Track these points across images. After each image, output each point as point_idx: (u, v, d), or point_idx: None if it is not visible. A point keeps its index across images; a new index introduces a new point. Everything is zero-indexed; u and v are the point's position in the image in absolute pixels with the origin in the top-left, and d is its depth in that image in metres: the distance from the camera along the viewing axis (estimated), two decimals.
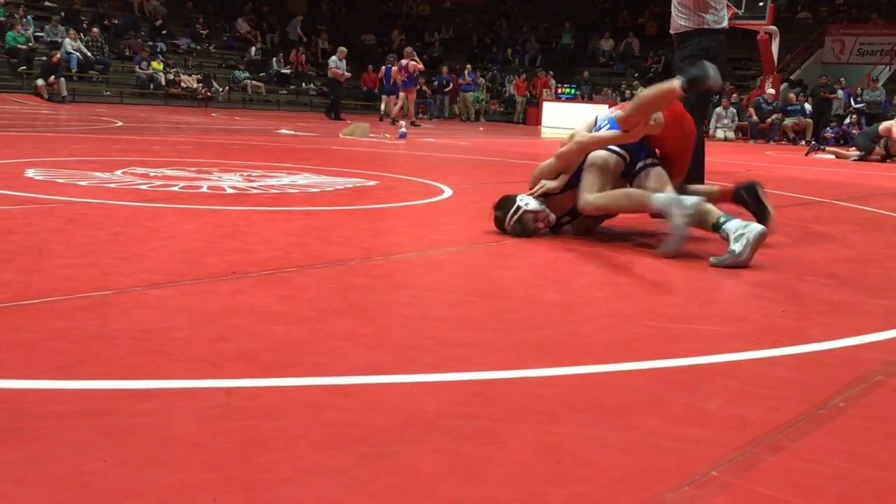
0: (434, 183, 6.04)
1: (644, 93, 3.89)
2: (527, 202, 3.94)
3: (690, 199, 3.50)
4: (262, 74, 26.48)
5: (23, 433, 1.44)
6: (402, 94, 18.19)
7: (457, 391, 1.81)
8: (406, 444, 1.50)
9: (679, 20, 4.94)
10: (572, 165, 4.00)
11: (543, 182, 4.04)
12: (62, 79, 19.86)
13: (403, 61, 17.93)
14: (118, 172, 5.52)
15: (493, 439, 1.54)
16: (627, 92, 24.06)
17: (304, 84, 27.42)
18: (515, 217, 3.91)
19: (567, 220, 4.09)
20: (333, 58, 19.18)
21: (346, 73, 19.40)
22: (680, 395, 1.85)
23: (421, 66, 18.81)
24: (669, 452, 1.53)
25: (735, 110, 20.67)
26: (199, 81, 23.94)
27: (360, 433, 1.53)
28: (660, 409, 1.75)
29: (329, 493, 1.29)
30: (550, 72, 26.82)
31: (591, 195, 3.81)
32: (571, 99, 25.11)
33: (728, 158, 11.80)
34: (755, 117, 20.43)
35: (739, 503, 1.35)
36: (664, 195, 3.57)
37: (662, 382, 1.94)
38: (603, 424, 1.64)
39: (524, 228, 3.90)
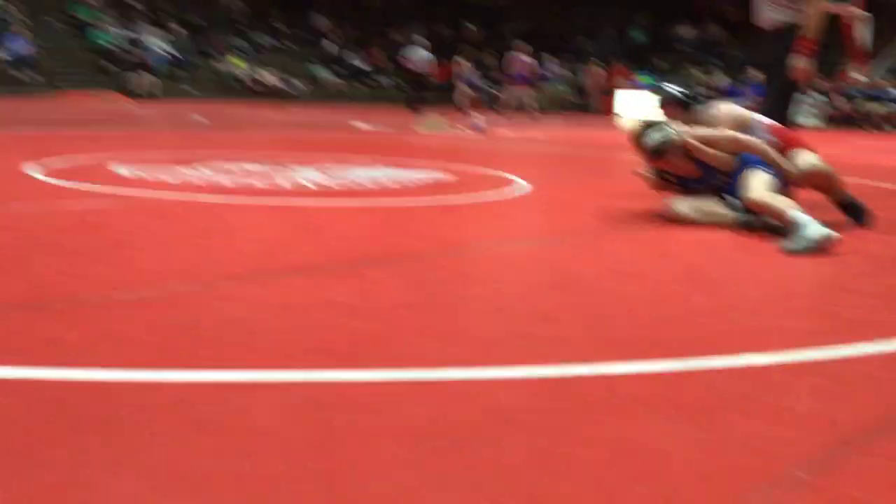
0: (510, 176, 6.02)
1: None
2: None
3: (822, 232, 3.36)
4: (339, 69, 26.81)
5: (112, 424, 1.49)
6: (515, 89, 18.20)
7: (534, 385, 1.80)
8: (484, 439, 1.50)
9: (770, 13, 4.77)
10: (719, 151, 3.90)
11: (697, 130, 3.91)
12: (149, 76, 20.49)
13: (524, 56, 17.88)
14: (202, 168, 5.66)
15: (571, 435, 1.53)
16: (706, 80, 23.50)
17: (380, 78, 27.65)
18: (663, 132, 3.85)
19: (672, 181, 4.06)
20: (416, 48, 19.06)
21: (429, 64, 19.28)
22: (764, 392, 1.80)
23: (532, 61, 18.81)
24: (752, 451, 1.49)
25: (821, 97, 20.00)
26: (279, 78, 24.37)
27: (437, 427, 1.54)
28: (743, 407, 1.71)
29: (407, 487, 1.30)
30: (625, 61, 26.40)
31: (756, 192, 3.73)
32: (648, 88, 24.64)
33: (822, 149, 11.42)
34: (841, 104, 19.75)
35: None
36: (805, 216, 3.48)
37: (745, 379, 1.89)
38: (684, 422, 1.61)
39: (664, 140, 3.85)
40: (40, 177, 4.84)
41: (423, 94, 19.38)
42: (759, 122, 4.16)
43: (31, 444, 1.39)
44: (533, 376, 1.86)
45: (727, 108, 4.25)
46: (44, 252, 2.87)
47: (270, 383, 1.74)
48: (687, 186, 4.04)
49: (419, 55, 18.87)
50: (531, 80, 18.14)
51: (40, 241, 3.04)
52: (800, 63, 4.52)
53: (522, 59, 17.91)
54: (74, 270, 2.63)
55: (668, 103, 4.33)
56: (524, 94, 18.17)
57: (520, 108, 18.31)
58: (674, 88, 4.24)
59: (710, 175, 3.96)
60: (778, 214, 3.61)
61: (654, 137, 3.87)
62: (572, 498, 1.29)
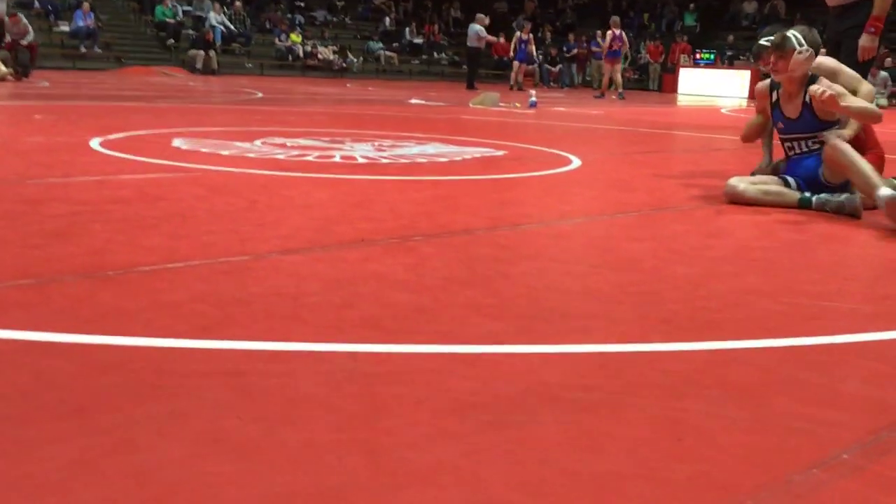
0: (563, 153, 5.98)
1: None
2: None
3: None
4: (395, 45, 26.82)
5: (165, 389, 1.54)
6: (604, 65, 18.12)
7: (579, 363, 1.80)
8: (526, 415, 1.51)
9: None
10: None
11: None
12: (212, 51, 20.76)
13: (617, 31, 17.70)
14: (257, 142, 5.74)
15: (614, 413, 1.53)
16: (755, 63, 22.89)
17: (435, 54, 27.59)
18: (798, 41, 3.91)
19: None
20: (474, 25, 18.90)
21: (478, 38, 19.11)
22: (814, 374, 1.78)
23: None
24: (799, 433, 1.47)
25: (888, 74, 19.39)
26: (334, 52, 24.49)
27: (480, 401, 1.55)
28: (791, 389, 1.69)
29: (449, 460, 1.32)
30: (687, 37, 25.86)
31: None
32: (710, 65, 24.13)
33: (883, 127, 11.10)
34: None
35: (870, 488, 1.29)
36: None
37: (796, 361, 1.87)
38: (730, 402, 1.60)
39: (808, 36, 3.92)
40: (104, 150, 4.96)
41: (476, 69, 19.21)
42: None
43: (88, 407, 1.45)
44: (578, 353, 1.86)
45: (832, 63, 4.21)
46: (103, 222, 2.95)
47: (316, 353, 1.77)
48: (781, 130, 4.05)
49: (471, 30, 18.72)
50: (619, 55, 17.91)
51: (101, 213, 3.12)
52: (864, 41, 4.43)
53: (616, 33, 17.67)
54: (132, 241, 2.70)
55: (762, 55, 4.33)
56: (615, 70, 17.95)
57: (607, 83, 18.19)
58: (766, 40, 4.25)
59: (806, 122, 3.91)
60: (858, 172, 3.64)
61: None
62: (613, 476, 1.29)
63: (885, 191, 3.45)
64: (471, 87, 18.21)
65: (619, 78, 18.02)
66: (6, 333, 1.78)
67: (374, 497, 1.19)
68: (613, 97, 17.66)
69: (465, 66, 21.56)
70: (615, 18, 18.29)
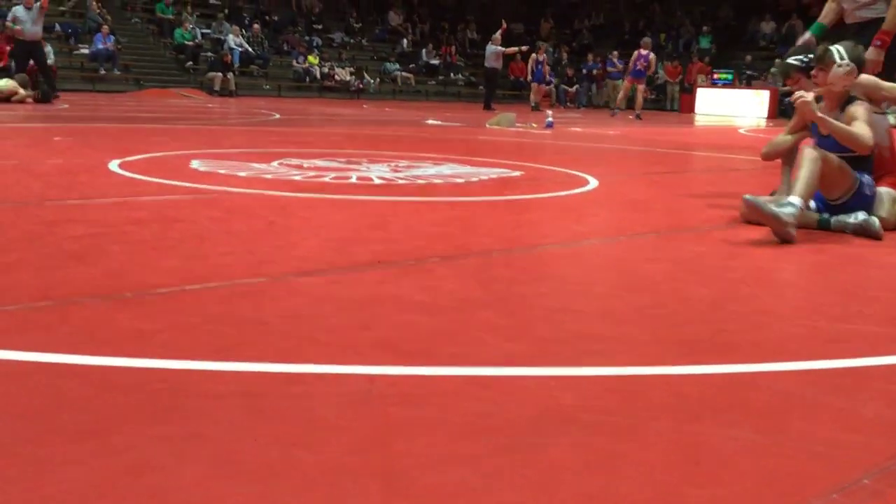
0: (580, 173, 5.98)
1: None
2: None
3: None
4: (411, 66, 26.97)
5: (181, 411, 1.54)
6: (625, 83, 18.20)
7: (595, 385, 1.79)
8: (542, 437, 1.50)
9: (859, 12, 4.71)
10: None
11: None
12: (230, 73, 20.96)
13: (644, 51, 17.71)
14: (274, 163, 5.77)
15: (631, 436, 1.52)
16: (781, 83, 22.90)
17: (452, 74, 27.72)
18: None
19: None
20: (491, 45, 18.87)
21: (510, 51, 19.08)
22: (834, 398, 1.76)
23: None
24: (819, 457, 1.46)
25: None
26: (351, 74, 24.65)
27: (496, 424, 1.54)
28: (811, 413, 1.67)
29: (464, 483, 1.31)
30: (707, 57, 25.84)
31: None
32: (728, 85, 24.09)
33: None
34: None
35: None
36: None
37: (816, 385, 1.85)
38: (748, 426, 1.59)
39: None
40: (122, 172, 5.00)
41: (493, 90, 19.22)
42: (885, 121, 4.19)
43: (104, 429, 1.45)
44: (594, 376, 1.85)
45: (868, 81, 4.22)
46: (122, 244, 2.97)
47: (332, 375, 1.77)
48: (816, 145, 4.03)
49: (489, 50, 18.73)
50: (643, 76, 17.92)
51: (119, 234, 3.14)
52: (870, 54, 4.41)
53: (642, 52, 17.67)
54: (150, 262, 2.72)
55: (791, 74, 4.34)
56: (638, 90, 17.95)
57: (629, 103, 18.25)
58: (795, 59, 4.26)
59: (833, 142, 3.91)
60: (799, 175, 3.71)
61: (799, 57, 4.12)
62: (628, 499, 1.28)
63: (751, 197, 3.61)
64: (488, 107, 18.22)
65: (640, 98, 18.00)
66: (25, 355, 1.80)
67: None
68: (631, 117, 17.67)
69: (482, 87, 21.61)
70: (646, 40, 18.28)
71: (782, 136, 4.35)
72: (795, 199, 3.49)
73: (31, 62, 13.50)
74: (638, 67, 17.73)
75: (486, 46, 19.27)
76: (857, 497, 1.31)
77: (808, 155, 3.66)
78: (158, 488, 1.25)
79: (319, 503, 1.23)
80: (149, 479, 1.28)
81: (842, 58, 3.84)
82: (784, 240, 3.43)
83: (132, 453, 1.36)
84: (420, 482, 1.31)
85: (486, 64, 18.99)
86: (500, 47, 18.50)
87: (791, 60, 4.34)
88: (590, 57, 26.51)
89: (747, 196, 3.58)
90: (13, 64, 13.80)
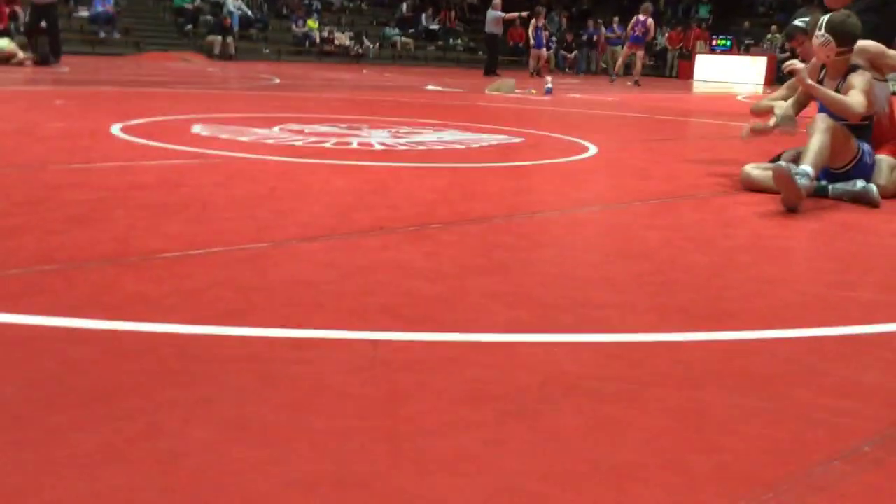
0: (579, 140, 5.97)
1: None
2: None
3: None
4: (411, 31, 26.74)
5: (190, 375, 1.56)
6: (625, 49, 18.15)
7: (597, 352, 1.81)
8: (545, 404, 1.52)
9: None
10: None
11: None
12: (230, 37, 20.78)
13: (642, 17, 17.60)
14: (275, 129, 5.75)
15: (633, 403, 1.54)
16: (787, 45, 22.75)
17: (451, 40, 27.49)
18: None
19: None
20: (492, 11, 18.65)
21: (510, 16, 18.90)
22: (834, 365, 1.78)
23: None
24: (819, 425, 1.48)
25: None
26: (351, 39, 24.45)
27: (500, 390, 1.56)
28: (812, 380, 1.69)
29: (469, 448, 1.33)
30: (705, 24, 25.62)
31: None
32: (727, 51, 23.93)
33: None
34: None
35: (891, 480, 1.29)
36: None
37: (816, 352, 1.87)
38: (750, 393, 1.61)
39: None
40: (124, 136, 4.99)
41: (495, 56, 19.03)
42: (886, 88, 4.19)
43: (114, 393, 1.47)
44: (597, 342, 1.86)
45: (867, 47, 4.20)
46: (126, 209, 2.98)
47: (337, 340, 1.79)
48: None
49: (490, 16, 18.53)
50: (641, 41, 17.82)
51: (123, 199, 3.15)
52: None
53: (640, 18, 17.55)
54: (153, 227, 2.73)
55: (795, 35, 4.34)
56: (637, 56, 17.88)
57: (628, 69, 18.24)
58: (801, 21, 4.27)
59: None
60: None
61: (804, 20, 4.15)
62: (634, 466, 1.30)
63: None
64: (489, 73, 18.02)
65: (639, 64, 17.90)
66: (32, 319, 1.81)
67: (397, 485, 1.21)
68: (629, 83, 17.59)
69: (482, 53, 21.40)
70: (646, 5, 18.11)
71: (777, 94, 4.37)
72: (809, 170, 3.48)
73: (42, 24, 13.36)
74: (636, 33, 17.62)
75: (486, 12, 19.06)
76: (858, 464, 1.34)
77: (821, 125, 3.65)
78: (170, 452, 1.27)
79: (327, 467, 1.25)
80: (159, 443, 1.30)
81: (819, 28, 3.81)
82: (791, 209, 3.44)
83: (142, 418, 1.38)
84: (427, 448, 1.33)
85: (487, 30, 18.76)
86: (500, 12, 18.30)
87: (797, 22, 4.34)
88: (589, 23, 26.26)
89: (781, 163, 3.52)
90: (12, 26, 13.65)
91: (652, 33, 18.23)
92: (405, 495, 1.18)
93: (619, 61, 18.58)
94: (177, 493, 1.16)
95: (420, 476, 1.24)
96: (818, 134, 3.62)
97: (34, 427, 1.33)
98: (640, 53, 17.98)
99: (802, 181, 3.42)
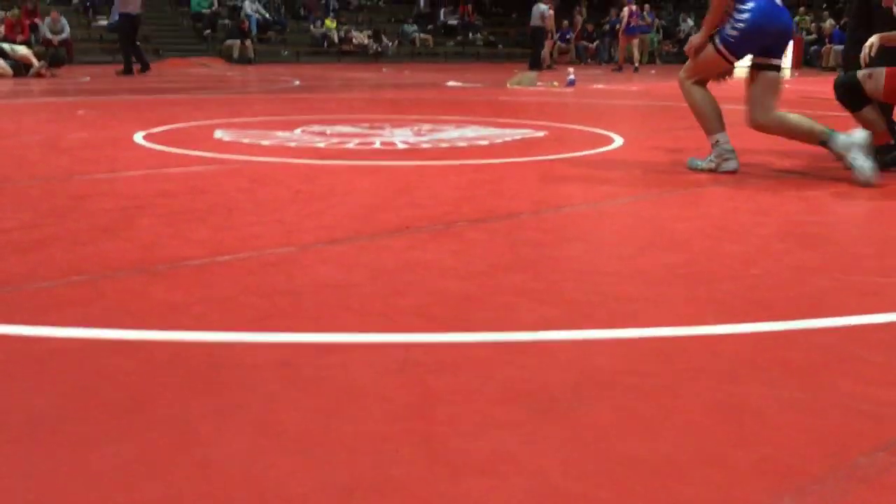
0: (604, 131, 5.92)
1: None
2: None
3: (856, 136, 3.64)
4: (429, 27, 26.70)
5: (221, 383, 1.55)
6: (621, 40, 18.50)
7: (631, 348, 1.78)
8: (580, 401, 1.49)
9: None
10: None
11: None
12: (248, 41, 20.88)
13: (634, 6, 17.84)
14: (297, 131, 5.76)
15: (670, 398, 1.51)
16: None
17: (470, 34, 27.42)
18: None
19: None
20: (540, 5, 18.51)
21: (542, 19, 18.83)
22: (875, 353, 1.74)
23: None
24: (862, 415, 1.44)
25: None
26: (369, 37, 24.46)
27: (534, 389, 1.54)
28: (852, 369, 1.65)
29: (504, 448, 1.31)
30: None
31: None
32: None
33: None
34: None
35: None
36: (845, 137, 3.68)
37: (855, 340, 1.83)
38: (789, 384, 1.57)
39: None
40: (147, 144, 5.02)
41: (540, 49, 18.90)
42: None
43: (147, 403, 1.46)
44: (630, 338, 1.84)
45: None
46: (152, 217, 2.98)
47: (367, 344, 1.78)
48: None
49: (536, 10, 18.42)
50: (639, 31, 18.20)
51: (148, 207, 3.16)
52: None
53: (632, 9, 17.86)
54: (180, 234, 2.73)
55: None
56: (632, 44, 18.27)
57: (629, 59, 18.48)
58: None
59: None
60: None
61: None
62: (674, 463, 1.27)
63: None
64: (534, 66, 17.82)
65: (636, 53, 18.34)
66: (62, 332, 1.81)
67: (434, 488, 1.19)
68: (630, 71, 17.86)
69: (502, 46, 21.25)
70: None
71: None
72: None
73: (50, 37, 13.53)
74: (631, 24, 18.08)
75: (533, 6, 18.89)
76: None
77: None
78: (204, 460, 1.26)
79: (363, 471, 1.23)
80: (194, 451, 1.29)
81: None
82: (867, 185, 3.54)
83: (176, 427, 1.37)
84: (462, 449, 1.31)
85: (532, 23, 18.72)
86: (546, 6, 18.25)
87: None
88: (613, 12, 26.05)
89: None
90: (32, 38, 13.84)
91: (647, 19, 18.78)
92: (442, 498, 1.17)
93: (621, 54, 18.93)
94: (213, 501, 1.15)
95: (456, 478, 1.22)
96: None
97: (69, 439, 1.32)
98: (635, 42, 18.48)
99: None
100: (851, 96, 3.95)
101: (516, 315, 1.96)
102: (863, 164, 3.55)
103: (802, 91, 10.44)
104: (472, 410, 1.45)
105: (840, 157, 3.67)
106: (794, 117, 3.95)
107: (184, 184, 3.67)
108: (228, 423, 1.39)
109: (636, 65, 18.73)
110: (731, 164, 4.00)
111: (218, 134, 5.54)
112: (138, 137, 5.26)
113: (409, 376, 1.59)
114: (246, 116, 7.06)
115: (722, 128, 4.04)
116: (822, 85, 4.84)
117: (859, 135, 3.61)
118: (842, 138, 3.64)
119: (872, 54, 3.77)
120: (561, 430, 1.38)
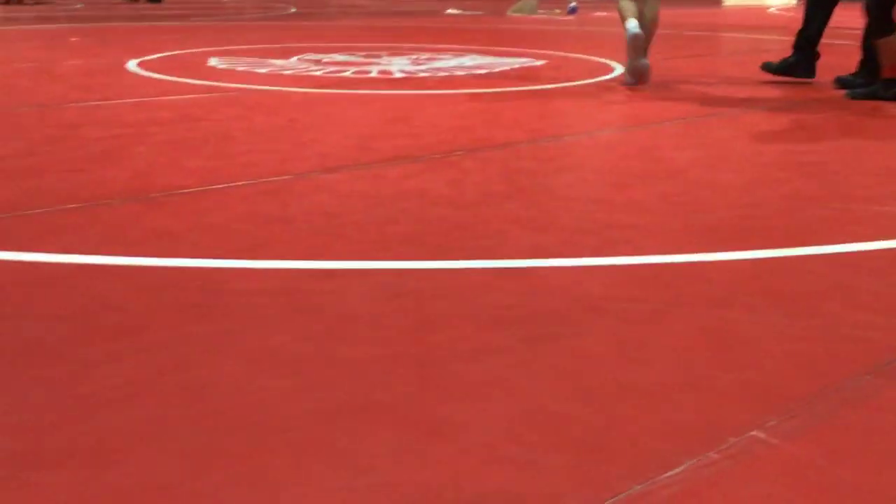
0: (604, 60, 5.84)
1: None
2: None
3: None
4: None
5: (216, 308, 1.56)
6: None
7: (623, 274, 1.79)
8: (572, 326, 1.51)
9: None
10: None
11: None
12: None
13: None
14: (293, 59, 5.68)
15: (660, 323, 1.53)
16: None
17: None
18: None
19: None
20: None
21: None
22: (866, 280, 1.75)
23: None
24: (850, 340, 1.46)
25: None
26: None
27: (526, 314, 1.55)
28: (842, 296, 1.66)
29: (496, 372, 1.33)
30: None
31: None
32: None
33: None
34: None
35: None
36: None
37: (847, 267, 1.83)
38: (778, 311, 1.58)
39: None
40: (141, 71, 4.95)
41: None
42: None
43: (142, 327, 1.48)
44: (622, 265, 1.84)
45: None
46: (146, 145, 2.97)
47: (362, 270, 1.78)
48: None
49: None
50: None
51: (142, 135, 3.13)
52: None
53: None
54: (174, 162, 2.72)
55: None
56: None
57: None
58: None
59: None
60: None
61: None
62: (662, 386, 1.29)
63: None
64: None
65: None
66: (57, 257, 1.82)
67: (426, 411, 1.21)
68: None
69: None
70: None
71: None
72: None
73: None
74: None
75: None
76: (892, 378, 1.32)
77: None
78: (198, 383, 1.28)
79: (356, 394, 1.25)
80: (188, 374, 1.31)
81: None
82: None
83: (171, 351, 1.39)
84: (454, 373, 1.33)
85: None
86: None
87: None
88: None
89: None
90: None
91: None
92: (431, 420, 1.18)
93: None
94: (205, 422, 1.17)
95: (446, 401, 1.24)
96: None
97: (64, 362, 1.34)
98: None
99: None
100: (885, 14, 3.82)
101: (510, 242, 1.97)
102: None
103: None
104: (465, 336, 1.46)
105: None
106: None
107: (178, 112, 3.64)
108: (221, 347, 1.40)
109: None
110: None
111: (212, 62, 5.46)
112: (132, 65, 5.19)
113: (402, 302, 1.60)
114: (241, 44, 6.96)
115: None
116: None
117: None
118: None
119: None
120: (552, 355, 1.39)
